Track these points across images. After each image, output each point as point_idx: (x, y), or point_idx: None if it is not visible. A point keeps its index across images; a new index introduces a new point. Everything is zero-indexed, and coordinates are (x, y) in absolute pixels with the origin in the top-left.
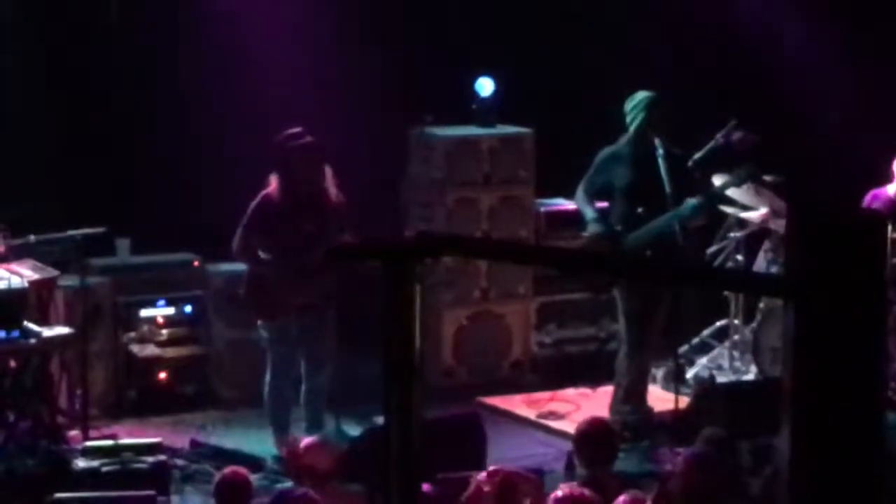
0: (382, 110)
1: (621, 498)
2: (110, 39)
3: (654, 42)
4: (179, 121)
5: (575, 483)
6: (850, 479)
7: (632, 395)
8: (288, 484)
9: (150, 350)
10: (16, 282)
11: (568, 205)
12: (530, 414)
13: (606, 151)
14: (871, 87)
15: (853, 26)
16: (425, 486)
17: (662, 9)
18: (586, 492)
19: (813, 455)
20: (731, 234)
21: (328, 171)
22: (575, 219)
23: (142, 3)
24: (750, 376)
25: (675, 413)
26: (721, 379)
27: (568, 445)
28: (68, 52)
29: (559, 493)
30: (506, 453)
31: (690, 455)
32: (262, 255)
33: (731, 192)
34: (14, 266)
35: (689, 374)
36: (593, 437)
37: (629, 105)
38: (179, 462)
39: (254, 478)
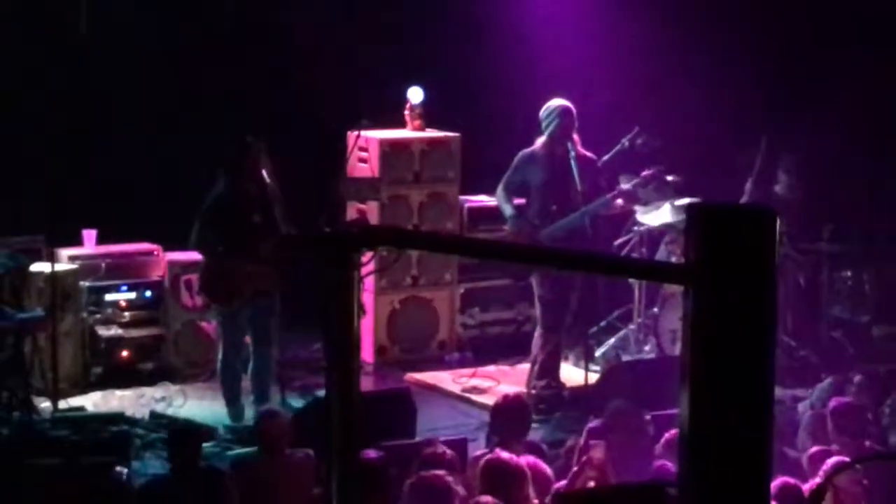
0: (324, 114)
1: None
2: (80, 49)
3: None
4: (138, 124)
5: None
6: (741, 441)
7: (546, 372)
8: (239, 450)
9: (114, 331)
10: None
11: (489, 201)
12: (455, 389)
13: (523, 153)
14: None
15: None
16: (369, 452)
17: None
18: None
19: (708, 422)
20: (636, 228)
21: (269, 168)
22: (495, 214)
23: (106, 17)
24: (651, 355)
25: (585, 387)
26: (626, 357)
27: (489, 417)
28: (41, 59)
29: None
30: (433, 424)
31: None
32: (215, 246)
33: (638, 191)
34: None
35: (598, 352)
36: (506, 413)
37: (544, 112)
38: (140, 431)
39: (207, 445)
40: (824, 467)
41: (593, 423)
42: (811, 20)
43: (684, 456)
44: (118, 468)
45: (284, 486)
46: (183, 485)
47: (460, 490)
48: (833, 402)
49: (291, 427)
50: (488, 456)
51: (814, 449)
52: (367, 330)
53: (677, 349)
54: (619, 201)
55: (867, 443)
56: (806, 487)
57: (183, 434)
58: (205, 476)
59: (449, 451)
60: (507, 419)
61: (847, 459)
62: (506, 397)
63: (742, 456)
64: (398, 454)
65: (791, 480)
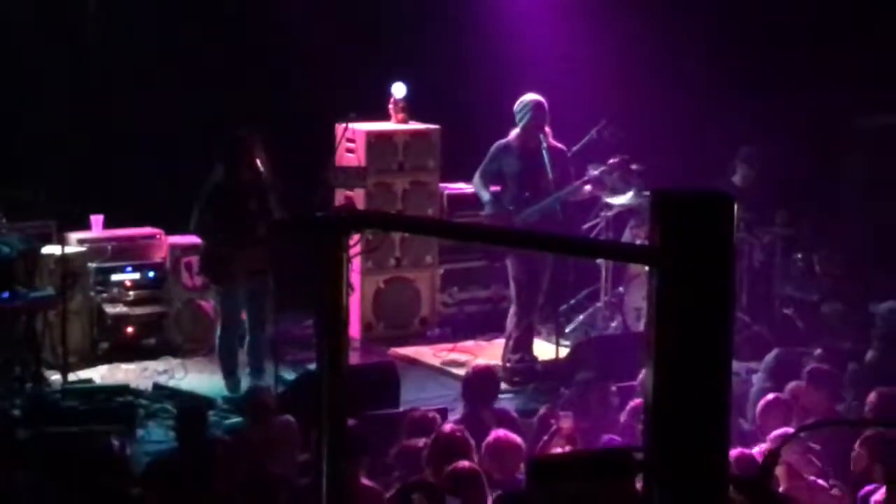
0: (314, 108)
1: (493, 434)
2: (88, 39)
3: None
4: (142, 118)
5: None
6: (702, 409)
7: (520, 346)
8: (235, 419)
9: (120, 308)
10: (5, 251)
11: (467, 188)
12: (436, 362)
13: (499, 143)
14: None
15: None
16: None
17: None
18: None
19: (671, 392)
20: (603, 213)
21: (263, 158)
22: (473, 200)
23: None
24: (617, 331)
25: (556, 361)
26: (594, 333)
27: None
28: (50, 55)
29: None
30: (415, 395)
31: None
32: (213, 231)
33: (605, 179)
34: None
35: (568, 329)
36: (475, 383)
37: (518, 106)
38: (144, 402)
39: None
40: (772, 436)
41: (564, 395)
42: (768, 22)
43: (649, 423)
44: (112, 439)
45: (272, 451)
46: (189, 458)
47: None
48: (810, 366)
49: (276, 399)
50: (437, 431)
51: (770, 396)
52: (354, 308)
53: (641, 326)
54: (588, 188)
55: (838, 407)
56: (757, 452)
57: (190, 412)
58: (206, 447)
59: (435, 414)
60: (477, 388)
61: (791, 430)
62: (475, 369)
63: (703, 422)
64: (384, 422)
65: (747, 451)
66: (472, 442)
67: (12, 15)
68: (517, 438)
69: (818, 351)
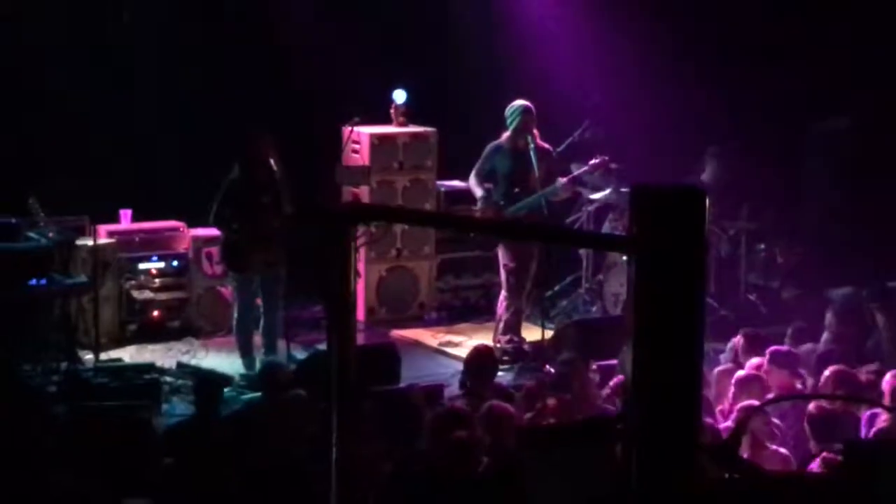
0: (323, 112)
1: (489, 403)
2: (122, 44)
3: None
4: (166, 121)
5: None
6: (676, 384)
7: (509, 329)
8: (251, 394)
9: (146, 294)
10: (43, 242)
11: (462, 185)
12: (433, 343)
13: (491, 145)
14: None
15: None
16: None
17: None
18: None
19: (649, 368)
20: (584, 208)
21: (276, 157)
22: (467, 196)
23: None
24: (597, 314)
25: (542, 342)
26: (576, 316)
27: (461, 367)
28: (85, 57)
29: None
30: (414, 373)
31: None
32: (231, 223)
33: (586, 177)
34: None
35: (553, 312)
36: (477, 361)
37: (509, 111)
38: (168, 379)
39: (224, 390)
40: (738, 408)
41: (549, 373)
42: (737, 30)
43: (629, 396)
44: (146, 412)
45: (283, 423)
46: (206, 426)
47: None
48: (772, 348)
49: (290, 374)
50: (437, 410)
51: (743, 372)
52: (359, 294)
53: (618, 310)
54: (570, 185)
55: (798, 385)
56: (722, 427)
57: (207, 383)
58: (228, 419)
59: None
60: (477, 366)
61: (756, 403)
62: (476, 349)
63: (677, 395)
64: (385, 396)
65: (711, 420)
66: (471, 414)
67: (42, 21)
68: (511, 409)
69: (794, 326)
